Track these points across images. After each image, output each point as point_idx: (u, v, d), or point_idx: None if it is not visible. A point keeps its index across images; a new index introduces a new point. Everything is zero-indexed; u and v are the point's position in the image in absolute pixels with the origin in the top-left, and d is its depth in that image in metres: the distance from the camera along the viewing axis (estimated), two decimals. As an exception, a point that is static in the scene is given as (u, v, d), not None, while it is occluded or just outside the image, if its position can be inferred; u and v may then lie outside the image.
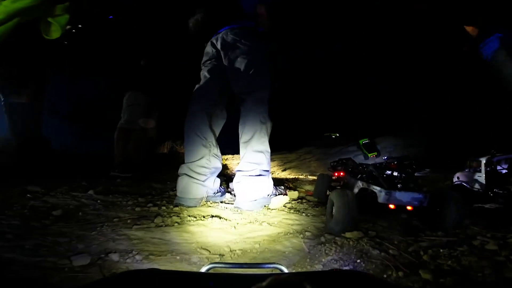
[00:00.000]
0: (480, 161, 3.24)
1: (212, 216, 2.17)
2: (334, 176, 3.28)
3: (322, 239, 1.75)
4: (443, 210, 1.93)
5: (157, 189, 3.37)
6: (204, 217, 2.18)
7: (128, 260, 1.41)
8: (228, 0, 2.90)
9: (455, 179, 3.77)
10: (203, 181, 2.64)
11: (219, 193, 2.89)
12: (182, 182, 2.63)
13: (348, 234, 1.79)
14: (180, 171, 2.69)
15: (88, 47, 5.15)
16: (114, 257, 1.41)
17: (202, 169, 2.67)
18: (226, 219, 2.14)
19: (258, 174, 2.61)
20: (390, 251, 1.59)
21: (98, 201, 2.48)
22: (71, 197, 2.51)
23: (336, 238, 1.74)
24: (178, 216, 2.17)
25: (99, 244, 1.57)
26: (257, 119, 2.64)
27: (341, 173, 3.17)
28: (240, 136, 2.74)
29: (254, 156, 2.63)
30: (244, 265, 1.16)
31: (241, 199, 2.56)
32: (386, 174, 2.31)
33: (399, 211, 2.08)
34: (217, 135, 2.88)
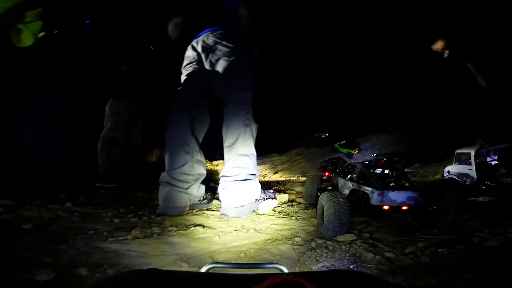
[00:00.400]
0: (469, 153, 3.18)
1: (196, 225, 2.03)
2: (324, 176, 3.17)
3: (313, 244, 1.62)
4: (440, 207, 1.82)
5: (141, 198, 3.22)
6: (186, 226, 2.03)
7: (97, 275, 1.27)
8: (208, 2, 2.81)
9: (445, 173, 3.70)
10: (186, 189, 2.50)
11: (205, 200, 2.74)
12: (164, 190, 2.48)
13: (339, 237, 1.68)
14: (161, 179, 2.54)
15: (67, 54, 4.97)
16: (83, 271, 1.28)
17: (185, 176, 2.52)
18: (210, 228, 2.00)
19: (244, 178, 2.48)
20: (386, 253, 1.48)
21: (76, 213, 2.32)
22: (47, 210, 2.35)
23: (327, 242, 1.62)
24: (158, 227, 2.02)
25: (68, 258, 1.44)
26: (241, 121, 2.53)
27: (332, 173, 3.07)
28: (224, 140, 2.61)
29: (239, 160, 2.51)
30: (244, 265, 1.15)
31: (227, 205, 2.42)
32: (377, 173, 2.20)
33: (394, 211, 1.96)
34: (200, 140, 2.74)
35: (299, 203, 2.89)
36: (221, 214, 2.43)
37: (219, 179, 2.61)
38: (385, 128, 10.94)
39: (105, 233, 1.84)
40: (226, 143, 2.58)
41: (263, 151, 8.23)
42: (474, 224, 1.88)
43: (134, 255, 1.53)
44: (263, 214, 2.44)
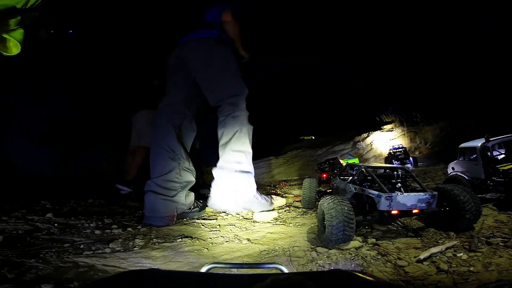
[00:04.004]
0: (475, 147, 3.02)
1: (183, 236, 1.83)
2: (322, 177, 3.00)
3: (314, 254, 1.44)
4: (454, 209, 1.64)
5: (131, 207, 3.03)
6: (173, 237, 1.84)
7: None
8: (190, 9, 2.81)
9: (449, 170, 3.54)
10: (172, 197, 2.32)
11: (196, 208, 2.55)
12: (149, 199, 2.30)
13: (343, 245, 1.50)
14: (146, 187, 2.37)
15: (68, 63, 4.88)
16: (45, 289, 1.11)
17: (171, 183, 2.35)
18: (199, 239, 1.81)
19: (239, 170, 2.39)
20: (397, 261, 1.30)
21: (56, 224, 2.14)
22: (25, 221, 2.15)
23: (330, 251, 1.44)
24: (142, 239, 1.83)
25: (35, 273, 1.28)
26: (236, 121, 2.49)
27: (330, 175, 2.90)
28: (219, 139, 2.52)
29: (233, 155, 2.44)
30: (244, 265, 1.15)
31: (217, 198, 2.34)
32: (380, 174, 2.01)
33: (403, 215, 1.75)
34: (188, 147, 2.60)
35: (297, 207, 2.70)
36: (210, 207, 2.38)
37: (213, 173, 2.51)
38: (380, 127, 10.88)
39: (82, 246, 1.69)
40: (221, 142, 2.51)
41: (259, 155, 8.06)
42: (490, 224, 1.71)
43: (110, 270, 1.39)
44: (259, 222, 2.25)
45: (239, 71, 2.64)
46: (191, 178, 2.50)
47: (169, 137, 2.44)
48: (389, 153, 7.39)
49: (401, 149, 7.22)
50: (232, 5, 2.66)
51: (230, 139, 2.46)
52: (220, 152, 2.53)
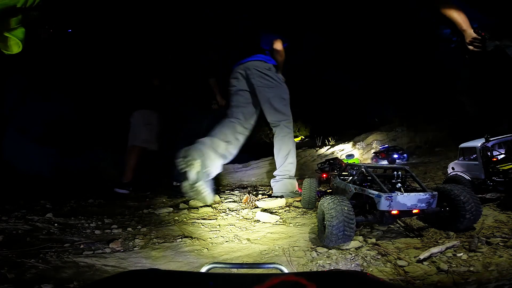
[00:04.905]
0: (475, 147, 3.02)
1: (183, 237, 1.83)
2: (322, 177, 3.00)
3: (314, 254, 1.44)
4: (454, 209, 1.63)
5: (131, 207, 3.04)
6: (173, 237, 1.84)
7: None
8: (249, 33, 3.31)
9: (449, 170, 3.54)
10: (215, 150, 2.81)
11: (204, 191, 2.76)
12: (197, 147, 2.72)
13: (343, 245, 1.50)
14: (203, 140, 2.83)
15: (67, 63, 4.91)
16: (47, 288, 1.12)
17: (223, 147, 2.91)
18: (199, 239, 1.81)
19: (291, 175, 3.33)
20: (397, 261, 1.30)
21: (55, 224, 2.15)
22: (25, 221, 2.16)
23: (330, 251, 1.44)
24: (142, 239, 1.84)
25: (35, 273, 1.28)
26: (290, 141, 3.30)
27: (330, 175, 2.90)
28: (277, 151, 3.32)
29: (289, 165, 3.29)
30: (244, 265, 1.14)
31: (276, 189, 3.26)
32: (381, 174, 2.00)
33: (403, 215, 1.75)
34: (237, 144, 3.18)
35: (297, 207, 2.70)
36: (273, 194, 3.24)
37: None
38: (379, 127, 10.90)
39: (82, 246, 1.70)
40: (281, 154, 3.30)
41: (260, 155, 8.09)
42: (487, 223, 1.71)
43: (110, 270, 1.39)
44: (260, 221, 2.25)
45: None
46: (229, 155, 3.06)
47: (232, 125, 3.10)
48: (378, 151, 9.18)
49: (387, 147, 9.05)
50: (282, 36, 3.23)
51: (288, 153, 3.27)
52: (280, 161, 3.32)
